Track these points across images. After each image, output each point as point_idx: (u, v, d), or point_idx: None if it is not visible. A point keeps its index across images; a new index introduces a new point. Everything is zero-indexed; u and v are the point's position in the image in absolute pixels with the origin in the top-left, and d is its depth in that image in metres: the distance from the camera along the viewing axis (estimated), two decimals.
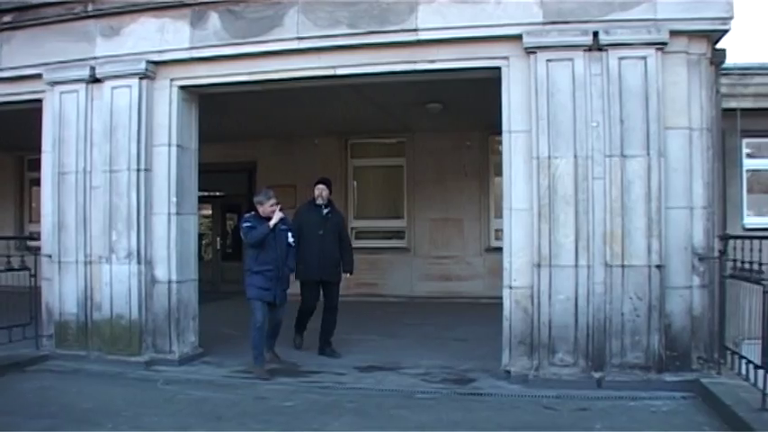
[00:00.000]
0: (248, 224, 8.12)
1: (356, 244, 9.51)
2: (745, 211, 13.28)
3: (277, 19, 8.18)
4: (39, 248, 9.21)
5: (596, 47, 7.33)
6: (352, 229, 9.40)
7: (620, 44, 7.27)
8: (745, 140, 12.91)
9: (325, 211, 9.19)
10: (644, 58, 7.23)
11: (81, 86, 8.78)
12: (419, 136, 15.47)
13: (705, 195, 7.39)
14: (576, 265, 7.33)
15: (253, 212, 8.25)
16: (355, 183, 16.39)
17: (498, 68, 7.76)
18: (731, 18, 7.21)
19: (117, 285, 8.55)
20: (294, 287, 8.83)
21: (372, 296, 14.26)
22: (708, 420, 6.16)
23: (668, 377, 7.12)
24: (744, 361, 6.56)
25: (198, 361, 8.76)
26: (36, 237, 9.88)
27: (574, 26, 7.40)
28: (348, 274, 9.37)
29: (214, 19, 8.38)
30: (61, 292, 8.86)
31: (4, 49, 9.21)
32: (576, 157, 7.34)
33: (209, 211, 18.45)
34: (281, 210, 8.16)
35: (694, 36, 7.35)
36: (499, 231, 11.56)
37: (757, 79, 12.21)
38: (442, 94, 11.60)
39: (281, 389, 7.48)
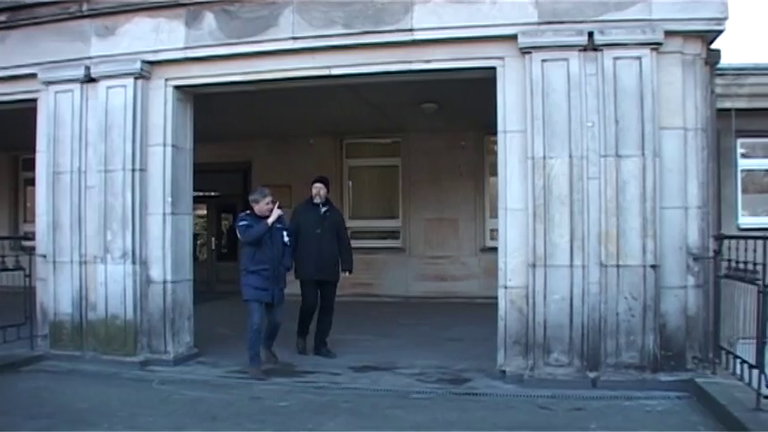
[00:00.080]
0: (244, 223, 8.08)
1: (352, 244, 9.44)
2: (740, 211, 13.29)
3: (272, 19, 8.18)
4: (33, 248, 9.20)
5: (591, 47, 7.34)
6: (347, 229, 9.38)
7: (615, 44, 7.28)
8: (739, 140, 12.94)
9: (323, 209, 9.15)
10: (639, 58, 7.24)
11: (76, 86, 8.77)
12: (414, 136, 15.49)
13: (700, 195, 7.41)
14: (572, 265, 7.33)
15: (248, 211, 8.22)
16: (350, 183, 16.41)
17: (493, 68, 7.77)
18: (726, 18, 7.22)
19: (112, 285, 8.54)
20: (293, 288, 8.82)
21: (367, 296, 14.27)
22: (702, 420, 6.17)
23: (663, 377, 7.13)
24: (738, 361, 6.57)
25: (193, 361, 8.75)
26: (31, 237, 9.89)
27: (569, 26, 7.40)
28: (347, 273, 9.32)
29: (209, 19, 8.37)
30: (56, 292, 8.84)
31: None
32: (571, 157, 7.34)
33: (204, 211, 18.48)
34: (279, 207, 8.15)
35: (689, 36, 7.37)
36: (494, 231, 11.59)
37: (752, 79, 12.23)
38: (437, 94, 11.61)
39: (276, 389, 7.47)
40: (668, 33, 7.22)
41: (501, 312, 7.70)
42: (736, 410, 5.84)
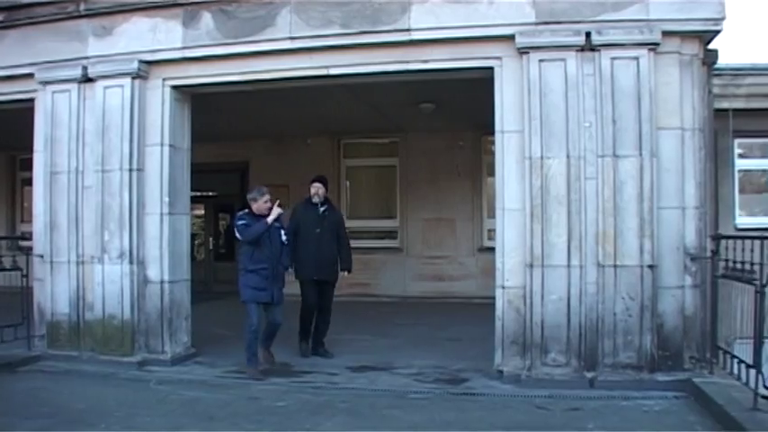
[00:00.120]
0: (243, 222, 8.04)
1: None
2: (737, 211, 13.32)
3: (269, 19, 8.18)
4: (30, 248, 9.19)
5: (589, 47, 7.35)
6: (346, 228, 9.37)
7: (612, 44, 7.29)
8: (737, 141, 12.95)
9: (322, 209, 9.10)
10: (636, 58, 7.25)
11: (73, 86, 8.76)
12: (412, 136, 15.50)
13: (697, 195, 7.41)
14: (569, 265, 7.34)
15: (246, 210, 8.17)
16: (348, 183, 16.41)
17: (491, 68, 7.77)
18: (723, 19, 7.24)
19: (109, 285, 8.53)
20: (293, 288, 8.80)
21: (365, 296, 14.25)
22: (700, 420, 6.17)
23: (660, 377, 7.14)
24: (736, 360, 6.58)
25: (190, 361, 8.75)
26: (28, 237, 9.87)
27: (566, 26, 7.41)
28: (346, 273, 9.29)
29: (206, 19, 8.37)
30: (53, 293, 8.84)
31: None
32: (568, 157, 7.35)
33: (202, 211, 18.47)
34: (279, 206, 8.13)
35: (686, 36, 7.38)
36: (492, 231, 11.56)
37: (749, 80, 12.25)
38: (434, 94, 11.61)
39: (273, 389, 7.47)
40: (666, 34, 7.23)
41: (498, 312, 7.70)
42: (734, 410, 5.85)
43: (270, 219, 7.99)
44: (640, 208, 7.19)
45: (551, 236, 7.38)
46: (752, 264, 6.19)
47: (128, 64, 8.52)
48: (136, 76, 8.53)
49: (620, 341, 7.21)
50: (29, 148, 9.28)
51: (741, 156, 13.54)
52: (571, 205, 7.35)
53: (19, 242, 12.48)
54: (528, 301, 7.45)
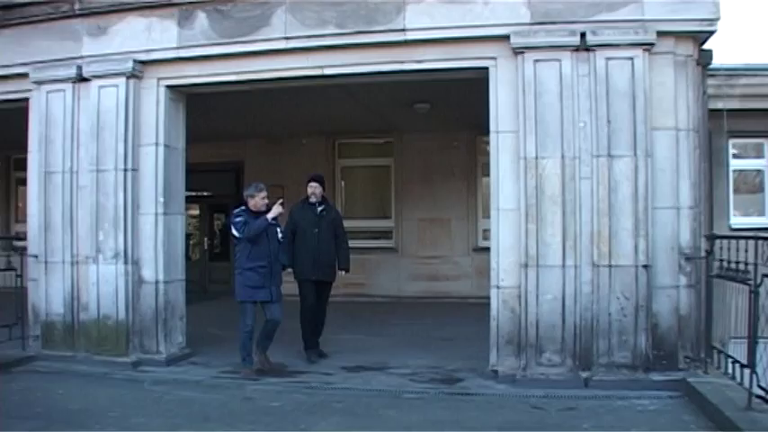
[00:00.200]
0: (241, 219, 7.96)
1: None
2: (732, 212, 13.32)
3: (264, 19, 8.17)
4: (25, 248, 9.17)
5: (584, 47, 7.36)
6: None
7: (607, 45, 7.30)
8: (731, 141, 12.96)
9: (320, 208, 8.99)
10: (631, 58, 7.26)
11: (68, 86, 8.75)
12: (407, 136, 15.50)
13: (692, 195, 7.43)
14: (564, 265, 7.35)
15: (243, 207, 8.12)
16: (343, 183, 16.39)
17: (486, 69, 7.78)
18: (718, 19, 7.25)
19: (104, 286, 8.52)
20: (290, 288, 8.76)
21: (360, 296, 14.25)
22: (694, 419, 6.18)
23: (655, 376, 7.15)
24: (730, 360, 6.62)
25: (185, 361, 8.74)
26: (22, 237, 9.86)
27: (561, 27, 7.42)
28: (344, 272, 9.21)
29: (201, 18, 8.36)
30: (47, 293, 8.82)
31: None
32: (563, 157, 7.36)
33: (197, 212, 18.42)
34: (281, 204, 8.05)
35: (681, 37, 7.40)
36: (487, 231, 11.58)
37: (744, 80, 12.25)
38: (429, 94, 11.61)
39: (268, 389, 7.46)
40: (660, 34, 7.24)
41: (493, 312, 7.71)
42: (728, 410, 5.86)
43: (270, 215, 7.93)
44: (635, 208, 7.20)
45: (546, 236, 7.38)
46: (746, 264, 6.21)
47: (122, 64, 8.51)
48: (130, 75, 8.52)
49: (615, 341, 7.22)
50: (23, 148, 9.25)
51: (735, 156, 13.55)
52: (566, 205, 7.35)
53: (13, 242, 12.47)
54: (523, 300, 7.46)
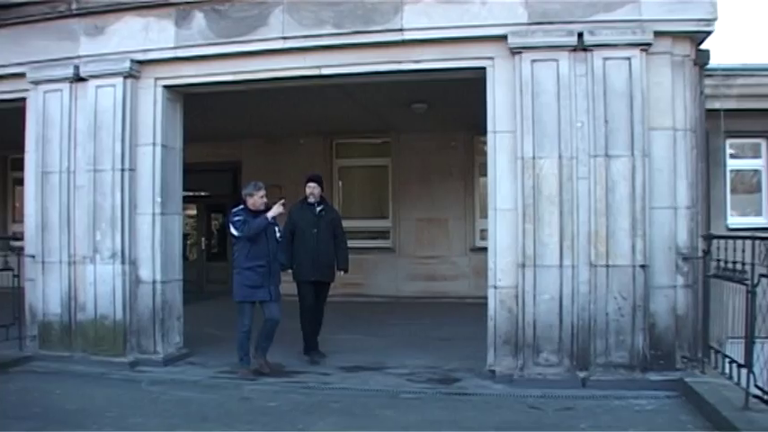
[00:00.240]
0: (239, 218, 7.91)
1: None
2: (729, 212, 13.32)
3: (262, 18, 8.17)
4: (22, 248, 9.16)
5: (581, 47, 7.36)
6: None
7: (604, 45, 7.31)
8: (728, 141, 12.97)
9: (318, 209, 8.94)
10: (628, 58, 7.27)
11: (65, 86, 8.74)
12: (404, 136, 15.50)
13: (689, 195, 7.44)
14: (561, 265, 7.35)
15: (241, 206, 8.07)
16: (340, 183, 16.39)
17: (483, 69, 7.78)
18: (715, 19, 7.26)
19: (101, 286, 8.51)
20: (291, 288, 8.74)
21: (358, 296, 14.23)
22: (692, 419, 6.19)
23: (652, 376, 7.16)
24: (727, 360, 6.62)
25: (182, 361, 8.74)
26: (19, 237, 9.84)
27: (559, 27, 7.42)
28: (343, 272, 9.15)
29: (199, 18, 8.36)
30: (45, 293, 8.81)
31: None
32: (560, 157, 7.36)
33: (194, 212, 18.41)
34: (283, 205, 8.02)
35: (678, 37, 7.40)
36: (484, 231, 11.60)
37: (741, 80, 12.26)
38: (427, 94, 11.61)
39: (265, 389, 7.46)
40: (657, 34, 7.25)
41: (491, 312, 7.71)
42: (725, 410, 5.86)
43: (270, 214, 7.88)
44: (632, 208, 7.21)
45: (543, 236, 7.39)
46: (743, 263, 6.21)
47: (120, 63, 8.50)
48: (128, 75, 8.51)
49: (613, 341, 7.22)
50: (20, 148, 9.25)
51: (732, 156, 13.55)
52: (563, 205, 7.36)
53: (10, 242, 12.43)
54: (520, 300, 7.46)
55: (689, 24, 7.30)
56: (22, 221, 9.56)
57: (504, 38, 7.52)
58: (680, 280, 7.36)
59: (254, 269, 7.88)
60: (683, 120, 7.43)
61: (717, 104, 10.67)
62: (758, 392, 5.89)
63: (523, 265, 7.43)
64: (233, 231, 8.00)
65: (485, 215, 9.00)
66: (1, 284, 8.73)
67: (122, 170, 8.48)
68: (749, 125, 12.57)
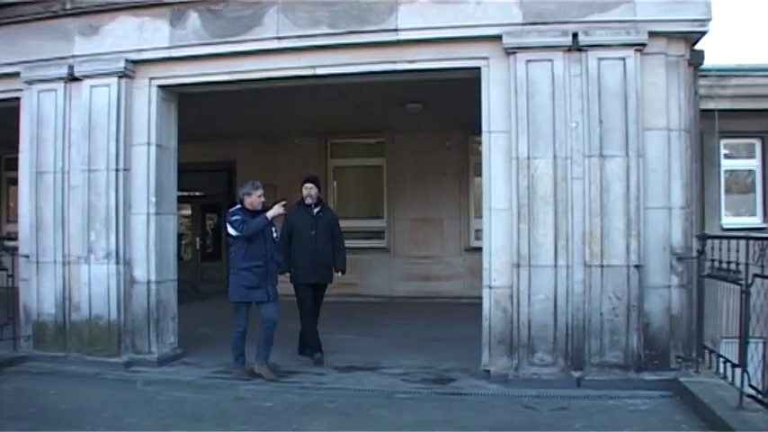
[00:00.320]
0: (238, 218, 7.81)
1: None
2: (723, 212, 13.38)
3: (257, 18, 8.16)
4: (16, 248, 9.13)
5: (576, 48, 7.37)
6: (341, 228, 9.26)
7: (599, 45, 7.32)
8: (723, 141, 13.01)
9: (316, 210, 8.86)
10: (623, 59, 7.28)
11: (59, 85, 8.71)
12: (399, 136, 15.50)
13: (683, 196, 7.45)
14: (556, 265, 7.36)
15: (239, 206, 7.99)
16: (335, 183, 16.38)
17: (478, 69, 7.78)
18: (709, 20, 7.27)
19: (95, 286, 8.50)
20: (286, 288, 8.71)
21: (352, 296, 14.21)
22: (686, 419, 6.20)
23: (647, 376, 7.17)
24: (722, 360, 6.64)
25: (177, 362, 8.73)
26: (14, 237, 9.81)
27: (553, 27, 7.43)
28: (340, 274, 9.06)
29: (193, 18, 8.35)
30: (39, 293, 8.79)
31: None
32: (555, 157, 7.37)
33: (189, 211, 18.39)
34: (284, 206, 7.94)
35: (673, 37, 7.42)
36: (479, 231, 11.58)
37: (735, 81, 12.31)
38: (422, 94, 11.61)
39: (260, 389, 7.46)
40: (652, 34, 7.26)
41: (485, 312, 7.71)
42: (720, 409, 5.88)
43: (270, 214, 7.81)
44: (627, 208, 7.22)
45: (538, 236, 7.39)
46: (737, 263, 6.23)
47: (114, 63, 8.49)
48: (122, 75, 8.50)
49: (607, 341, 7.23)
50: (14, 147, 9.22)
51: (727, 156, 13.61)
52: (558, 205, 7.37)
53: (4, 242, 12.36)
54: (515, 300, 7.47)
55: (683, 25, 7.32)
56: (16, 221, 9.53)
57: (498, 38, 7.52)
58: (674, 280, 7.37)
59: (251, 269, 7.80)
60: (678, 120, 7.45)
61: (711, 105, 10.71)
62: (752, 392, 5.90)
63: (518, 265, 7.44)
64: (231, 231, 7.89)
65: (479, 215, 9.00)
66: None
67: (117, 170, 8.46)
68: (743, 125, 12.63)
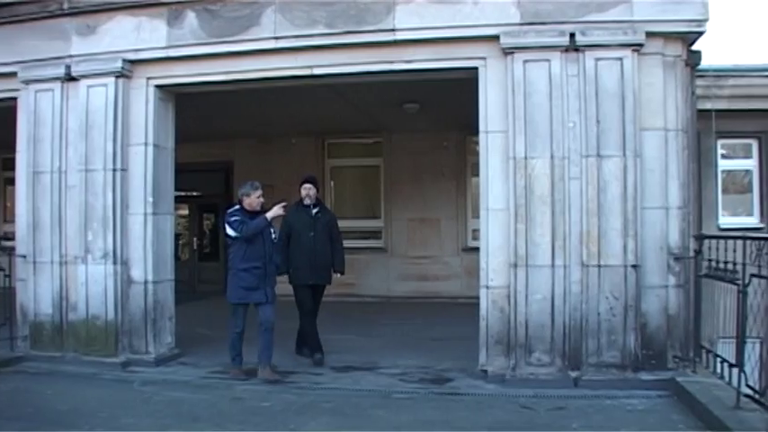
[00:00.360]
0: (237, 218, 7.75)
1: None
2: (720, 212, 13.39)
3: (254, 18, 8.16)
4: (13, 248, 9.12)
5: (573, 48, 7.38)
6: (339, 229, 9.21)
7: (596, 45, 7.32)
8: (720, 141, 13.04)
9: (314, 211, 8.82)
10: (620, 59, 7.28)
11: (56, 85, 8.71)
12: (396, 136, 15.51)
13: (681, 196, 7.46)
14: (553, 265, 7.36)
15: (237, 206, 7.94)
16: (332, 183, 16.37)
17: (475, 69, 7.79)
18: (706, 20, 7.28)
19: (93, 286, 8.49)
20: (284, 288, 8.68)
21: (350, 296, 14.18)
22: (683, 419, 6.21)
23: (644, 376, 7.17)
24: (719, 359, 6.63)
25: (174, 362, 8.72)
26: (11, 236, 9.82)
27: (551, 27, 7.43)
28: (339, 275, 9.02)
29: (191, 18, 8.35)
30: (36, 293, 8.78)
31: None
32: (552, 157, 7.37)
33: (186, 211, 18.39)
34: (284, 207, 7.91)
35: (670, 38, 7.42)
36: (476, 231, 11.61)
37: (732, 81, 12.33)
38: (419, 94, 11.61)
39: (257, 389, 7.45)
40: (649, 35, 7.27)
41: (483, 312, 7.72)
42: (717, 409, 5.88)
43: (270, 215, 7.76)
44: (624, 208, 7.22)
45: (535, 236, 7.40)
46: (734, 263, 6.23)
47: (111, 63, 8.48)
48: (120, 75, 8.49)
49: (604, 340, 7.24)
50: (11, 147, 9.21)
51: (724, 156, 13.63)
52: (555, 205, 7.37)
53: (1, 242, 12.41)
54: (512, 300, 7.47)
55: (680, 25, 7.33)
56: (13, 221, 9.53)
57: (496, 38, 7.53)
58: (671, 280, 7.38)
59: (249, 270, 7.75)
60: (675, 120, 7.45)
61: (708, 105, 10.74)
62: (749, 392, 5.90)
63: (515, 265, 7.44)
64: (230, 232, 7.83)
65: (477, 215, 9.00)
66: None
67: (114, 170, 8.45)
68: (740, 126, 12.65)
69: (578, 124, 7.34)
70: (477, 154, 8.44)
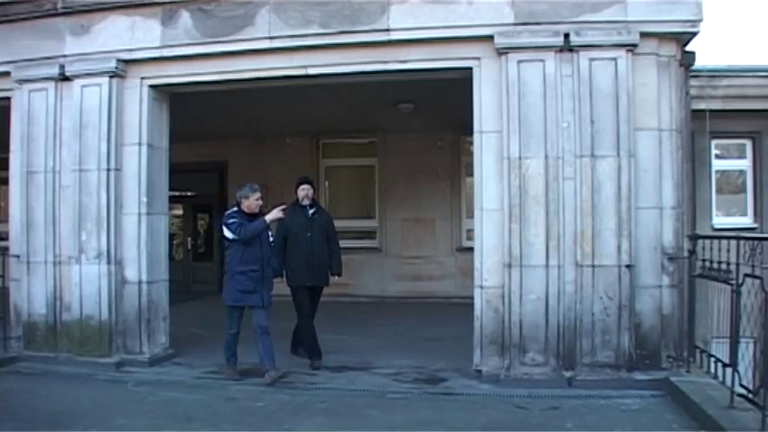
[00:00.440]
0: (234, 220, 7.67)
1: None
2: (714, 212, 13.41)
3: (248, 18, 8.15)
4: (7, 248, 9.09)
5: (567, 48, 7.39)
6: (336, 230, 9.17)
7: (590, 45, 7.33)
8: (714, 141, 13.04)
9: (311, 211, 8.72)
10: (614, 59, 7.29)
11: (50, 85, 8.69)
12: (391, 136, 15.52)
13: (675, 196, 7.47)
14: (547, 265, 7.37)
15: (235, 209, 7.86)
16: (327, 183, 16.38)
17: (470, 69, 7.79)
18: (700, 20, 7.30)
19: (87, 286, 8.47)
20: (280, 289, 8.63)
21: (344, 296, 14.09)
22: (677, 418, 6.22)
23: (638, 376, 7.18)
24: (713, 359, 6.64)
25: (169, 362, 8.71)
26: (4, 237, 9.77)
27: (545, 27, 7.44)
28: (336, 277, 8.94)
29: (185, 18, 8.34)
30: (30, 293, 8.75)
31: None
32: (546, 157, 7.38)
33: (180, 212, 18.35)
34: (284, 210, 7.86)
35: (664, 38, 7.43)
36: (470, 231, 11.62)
37: (726, 81, 12.34)
38: (413, 94, 11.62)
39: (251, 390, 7.45)
40: (643, 35, 7.28)
41: (477, 312, 7.72)
42: (710, 408, 5.90)
43: (269, 218, 7.72)
44: (618, 208, 7.23)
45: (529, 236, 7.40)
46: (728, 263, 6.24)
47: (105, 63, 8.47)
48: (114, 74, 8.48)
49: (599, 340, 7.25)
50: (5, 147, 9.18)
51: (718, 156, 13.64)
52: (549, 205, 7.38)
53: None
54: (506, 300, 7.47)
55: (675, 25, 7.34)
56: (6, 221, 9.46)
57: (490, 38, 7.53)
58: (665, 280, 7.39)
59: (246, 273, 7.68)
60: (669, 120, 7.47)
61: (702, 105, 10.74)
62: (743, 391, 5.91)
63: (509, 265, 7.44)
64: (228, 234, 7.75)
65: (471, 215, 9.01)
66: None
67: (108, 170, 8.44)
68: (734, 126, 12.67)
69: (572, 124, 7.34)
70: (471, 154, 8.44)
